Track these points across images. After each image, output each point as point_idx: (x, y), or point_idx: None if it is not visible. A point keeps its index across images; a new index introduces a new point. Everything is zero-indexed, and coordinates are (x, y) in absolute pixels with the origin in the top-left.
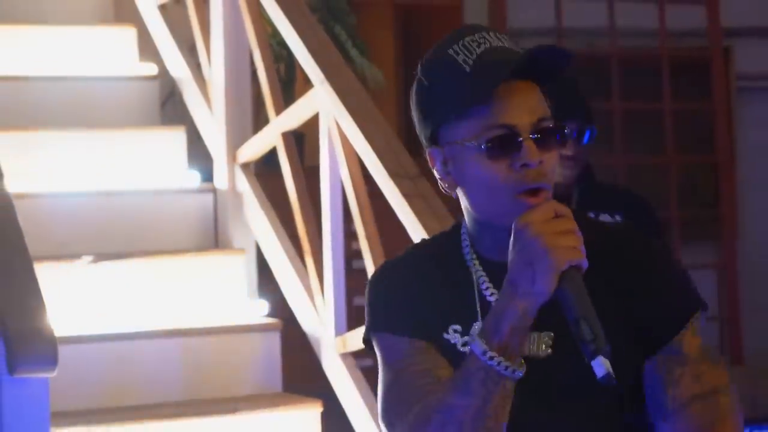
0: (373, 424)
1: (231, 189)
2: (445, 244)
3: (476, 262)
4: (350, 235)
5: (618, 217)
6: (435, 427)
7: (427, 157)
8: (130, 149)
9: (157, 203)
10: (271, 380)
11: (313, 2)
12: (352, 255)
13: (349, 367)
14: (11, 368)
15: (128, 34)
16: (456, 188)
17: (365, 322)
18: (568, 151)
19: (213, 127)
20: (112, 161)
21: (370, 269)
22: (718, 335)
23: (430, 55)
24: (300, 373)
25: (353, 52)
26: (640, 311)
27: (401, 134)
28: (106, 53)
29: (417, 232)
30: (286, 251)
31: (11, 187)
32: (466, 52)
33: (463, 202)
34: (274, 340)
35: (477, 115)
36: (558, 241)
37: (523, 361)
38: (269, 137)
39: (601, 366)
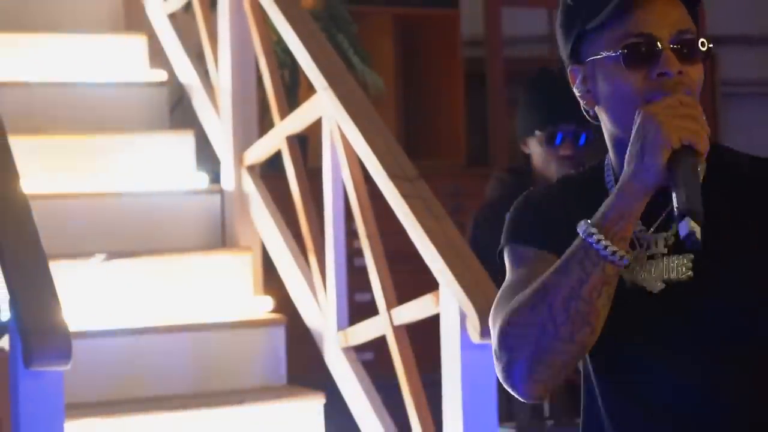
0: (373, 415)
1: (237, 190)
2: (590, 177)
3: (614, 184)
4: (351, 234)
5: None
6: (527, 308)
7: (569, 76)
8: (140, 152)
9: (166, 204)
10: (276, 373)
11: (316, 11)
12: (353, 253)
13: (350, 361)
14: (27, 362)
15: (139, 41)
16: (594, 106)
17: (501, 239)
18: (566, 151)
19: (220, 130)
20: (123, 164)
21: (371, 267)
22: None
23: None
24: (303, 367)
25: (355, 60)
26: None
27: (400, 138)
28: (117, 60)
29: (415, 231)
30: (291, 249)
31: (27, 188)
32: None
33: (603, 122)
34: (279, 335)
35: (615, 25)
36: (673, 120)
37: (629, 251)
38: (274, 140)
39: (685, 225)
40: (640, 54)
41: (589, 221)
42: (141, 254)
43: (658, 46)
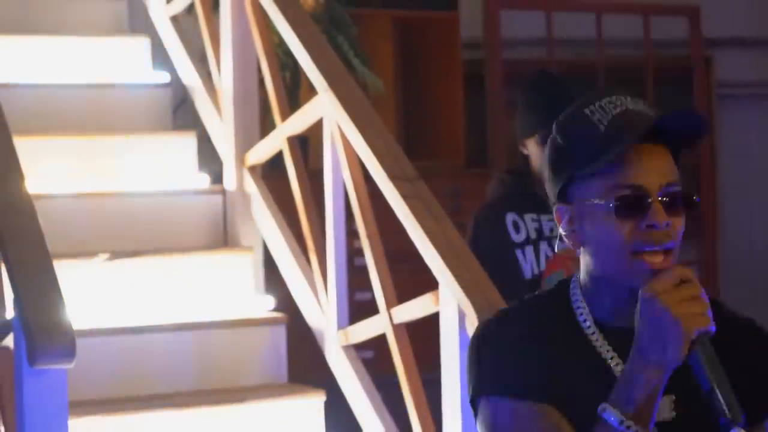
0: (373, 413)
1: (239, 190)
2: (552, 303)
3: (592, 325)
4: (352, 233)
5: None
6: None
7: (554, 215)
8: (143, 153)
9: (169, 204)
10: (277, 371)
11: (317, 14)
12: (353, 253)
13: (350, 359)
14: (31, 360)
15: (142, 44)
16: (579, 246)
17: (470, 383)
18: None
19: (222, 132)
20: (126, 164)
21: (371, 266)
22: None
23: (566, 114)
24: (304, 365)
25: (355, 62)
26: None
27: (400, 139)
28: (121, 62)
29: (415, 231)
30: (292, 249)
31: (32, 188)
32: (601, 112)
33: (584, 261)
34: (280, 334)
35: (607, 174)
36: (686, 309)
37: (655, 429)
38: (275, 141)
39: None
40: (631, 205)
41: (615, 407)
42: (144, 254)
43: (648, 199)
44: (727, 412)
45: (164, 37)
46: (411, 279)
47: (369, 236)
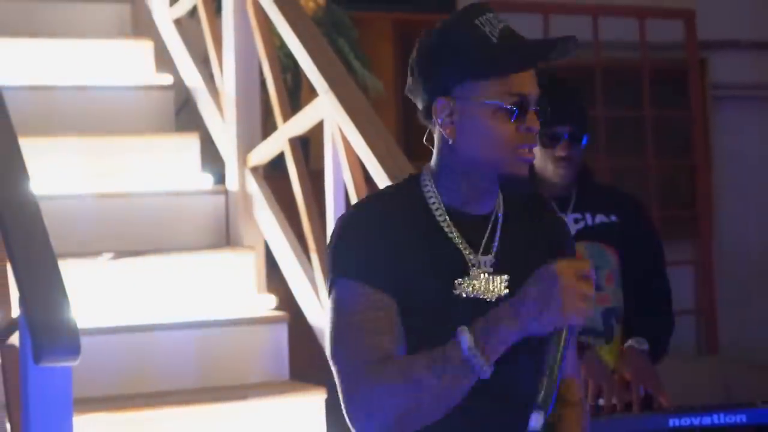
0: None
1: (241, 191)
2: (407, 195)
3: (443, 211)
4: None
5: (614, 218)
6: (399, 398)
7: (434, 107)
8: (147, 154)
9: (172, 204)
10: (279, 369)
11: (318, 17)
12: None
13: None
14: (37, 358)
15: (146, 46)
16: (453, 137)
17: (328, 268)
18: (562, 152)
19: (225, 133)
20: (130, 165)
21: None
22: (695, 327)
23: (452, 21)
24: (306, 363)
25: (355, 64)
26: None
27: (400, 140)
28: (125, 64)
29: None
30: (293, 249)
31: (37, 188)
32: (490, 26)
33: (448, 151)
34: (282, 332)
35: (498, 79)
36: (575, 303)
37: (491, 364)
38: (277, 142)
39: (536, 422)
40: (521, 110)
41: (469, 336)
42: (147, 253)
43: (530, 107)
44: (540, 398)
45: (167, 39)
46: None
47: None
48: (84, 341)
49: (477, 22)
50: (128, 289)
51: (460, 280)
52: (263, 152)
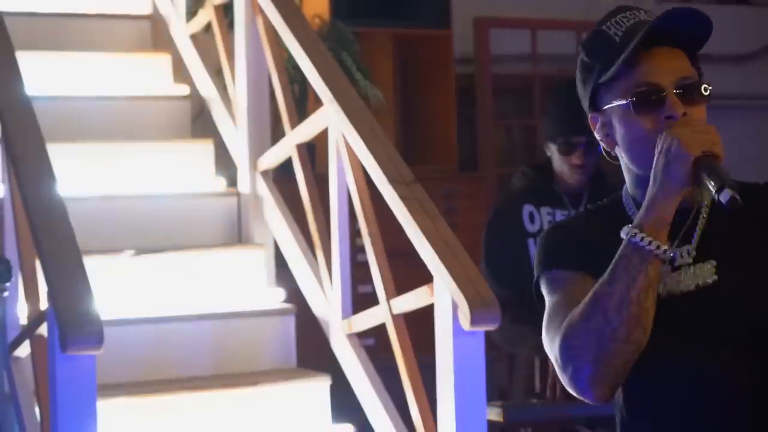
0: (374, 394)
1: (252, 193)
2: (611, 208)
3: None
4: (355, 232)
5: None
6: (583, 319)
7: (590, 124)
8: (165, 159)
9: (188, 205)
10: (287, 357)
11: (323, 32)
12: (356, 249)
13: (354, 346)
14: (63, 347)
15: (164, 59)
16: (614, 148)
17: (535, 271)
18: (577, 161)
19: (237, 139)
20: (149, 169)
21: (372, 262)
22: None
23: (588, 35)
24: (312, 351)
25: (357, 76)
26: None
27: (398, 146)
28: (144, 76)
29: (412, 230)
30: (300, 246)
31: (64, 190)
32: (616, 26)
33: (623, 162)
34: (290, 323)
35: (624, 77)
36: (691, 134)
37: (667, 245)
38: (285, 148)
39: (726, 193)
40: (648, 101)
41: (629, 226)
42: (166, 250)
43: (663, 93)
44: (717, 182)
45: (184, 53)
46: (408, 273)
47: (370, 234)
48: (107, 332)
49: (605, 26)
50: (148, 284)
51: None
52: (272, 157)
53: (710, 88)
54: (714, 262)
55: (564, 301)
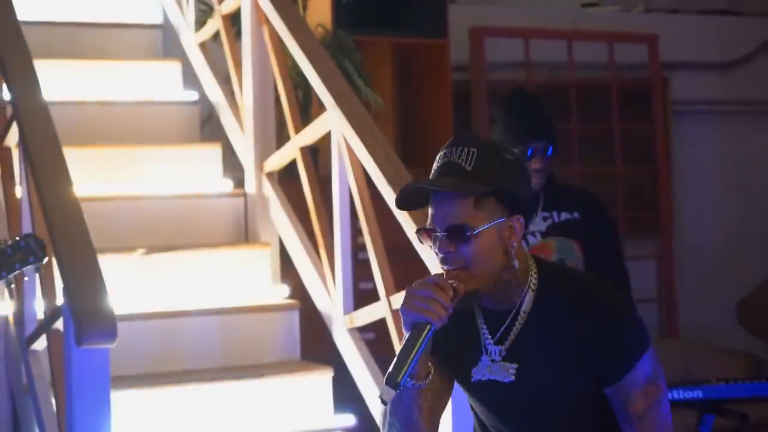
0: (374, 386)
1: (258, 194)
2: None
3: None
4: (356, 231)
5: (576, 215)
6: None
7: None
8: (175, 161)
9: (197, 205)
10: (291, 350)
11: (325, 41)
12: (357, 248)
13: (355, 340)
14: (78, 341)
15: (174, 66)
16: None
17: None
18: (537, 165)
19: (244, 143)
20: (160, 171)
21: (373, 259)
22: (657, 313)
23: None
24: (315, 345)
25: (358, 82)
26: (595, 359)
27: (398, 149)
28: (156, 82)
29: (411, 229)
30: (304, 245)
31: (79, 191)
32: (437, 163)
33: None
34: (294, 318)
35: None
36: (413, 304)
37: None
38: (290, 151)
39: (387, 394)
40: (428, 240)
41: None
42: (176, 248)
43: (437, 234)
44: (391, 370)
45: (193, 60)
46: (407, 270)
47: (371, 233)
48: (120, 326)
49: (442, 153)
50: (159, 280)
51: (475, 367)
52: (277, 160)
53: (474, 231)
54: (515, 366)
55: None
